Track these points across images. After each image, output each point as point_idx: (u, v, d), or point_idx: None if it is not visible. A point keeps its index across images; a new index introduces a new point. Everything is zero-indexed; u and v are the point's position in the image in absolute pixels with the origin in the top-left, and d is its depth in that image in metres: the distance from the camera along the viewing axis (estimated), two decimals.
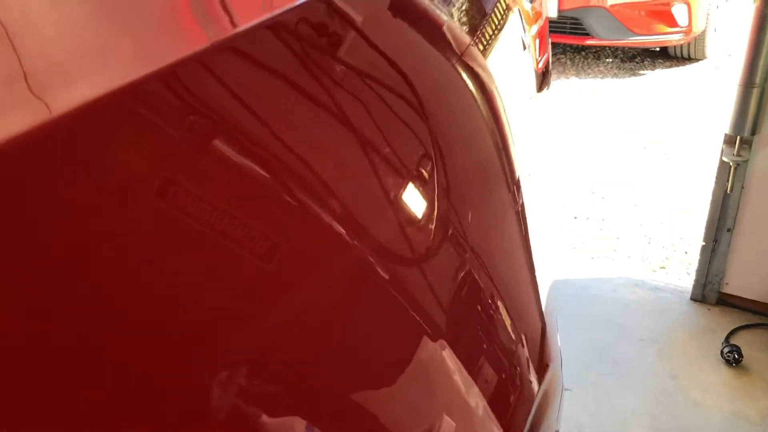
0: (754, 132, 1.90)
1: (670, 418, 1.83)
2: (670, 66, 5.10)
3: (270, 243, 0.33)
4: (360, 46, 0.45)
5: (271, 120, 0.36)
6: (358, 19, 0.46)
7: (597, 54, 5.41)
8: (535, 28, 1.04)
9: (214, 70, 0.33)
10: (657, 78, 4.85)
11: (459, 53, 0.60)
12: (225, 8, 0.37)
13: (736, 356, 1.97)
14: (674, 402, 1.88)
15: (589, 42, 4.90)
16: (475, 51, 0.64)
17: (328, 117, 0.40)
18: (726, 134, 1.96)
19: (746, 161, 1.98)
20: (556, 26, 4.94)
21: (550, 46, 1.18)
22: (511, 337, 0.56)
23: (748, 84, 1.83)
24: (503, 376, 0.51)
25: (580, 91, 4.64)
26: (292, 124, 0.37)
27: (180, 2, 0.36)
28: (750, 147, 1.96)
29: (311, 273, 0.35)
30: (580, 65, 5.18)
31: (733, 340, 2.06)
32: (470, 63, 0.61)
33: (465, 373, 0.44)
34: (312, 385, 0.33)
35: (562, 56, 5.39)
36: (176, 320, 0.28)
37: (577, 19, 4.82)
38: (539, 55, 1.03)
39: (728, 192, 2.05)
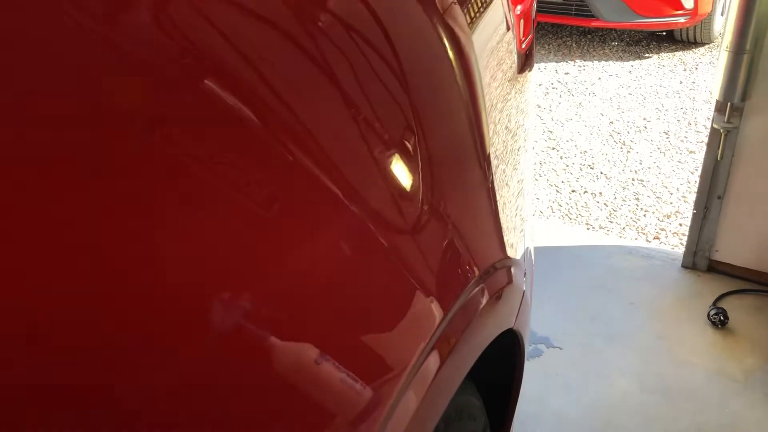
0: (744, 98, 1.94)
1: (656, 376, 1.88)
2: (676, 50, 5.10)
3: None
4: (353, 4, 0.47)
5: (257, 70, 0.38)
6: None
7: (603, 37, 5.42)
8: (519, 8, 1.02)
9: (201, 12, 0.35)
10: (662, 61, 4.87)
11: (449, 25, 0.61)
12: None
13: (722, 318, 2.01)
14: (660, 360, 1.93)
15: (594, 24, 4.92)
16: (463, 23, 0.65)
17: (316, 74, 0.43)
18: (716, 101, 2.00)
19: (736, 128, 2.01)
20: (561, 8, 4.96)
21: (534, 27, 1.14)
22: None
23: (737, 51, 1.87)
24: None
25: (585, 73, 4.67)
26: (281, 76, 0.39)
27: None
28: (740, 114, 2.00)
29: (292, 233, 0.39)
30: (585, 48, 5.20)
31: (721, 305, 2.11)
32: (457, 35, 0.62)
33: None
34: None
35: (568, 39, 5.41)
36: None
37: (582, 1, 4.83)
38: (523, 36, 1.00)
39: (719, 159, 2.09)
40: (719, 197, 2.16)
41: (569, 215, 2.85)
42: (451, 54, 0.61)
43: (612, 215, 2.84)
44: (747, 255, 2.20)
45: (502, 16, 0.81)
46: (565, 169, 3.27)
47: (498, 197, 0.73)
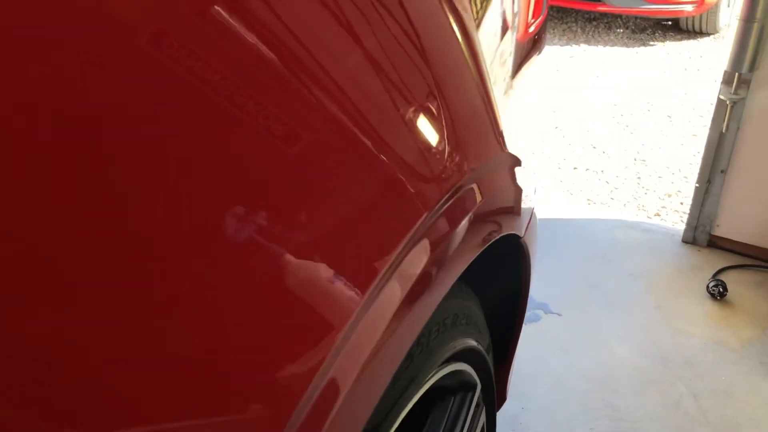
0: (752, 69, 1.93)
1: (652, 344, 1.88)
2: (681, 39, 5.09)
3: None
4: None
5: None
6: None
7: (608, 24, 5.40)
8: None
9: None
10: (667, 49, 4.85)
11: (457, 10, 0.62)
12: None
13: (722, 290, 2.01)
14: (657, 329, 1.93)
15: (601, 9, 4.90)
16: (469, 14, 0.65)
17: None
18: (725, 71, 1.99)
19: (743, 99, 2.00)
20: None
21: (545, 9, 1.05)
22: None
23: (748, 19, 1.85)
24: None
25: (589, 57, 4.65)
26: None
27: None
28: (748, 86, 1.99)
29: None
30: (590, 34, 5.18)
31: (720, 279, 2.10)
32: (465, 20, 0.63)
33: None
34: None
35: (573, 24, 5.38)
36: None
37: None
38: (533, 18, 0.95)
39: (724, 131, 2.08)
40: (722, 171, 2.16)
41: (570, 191, 2.84)
42: (461, 34, 0.61)
43: (613, 192, 2.83)
44: (748, 231, 2.20)
45: (499, 18, 0.77)
46: (567, 147, 3.26)
47: (491, 93, 0.71)
